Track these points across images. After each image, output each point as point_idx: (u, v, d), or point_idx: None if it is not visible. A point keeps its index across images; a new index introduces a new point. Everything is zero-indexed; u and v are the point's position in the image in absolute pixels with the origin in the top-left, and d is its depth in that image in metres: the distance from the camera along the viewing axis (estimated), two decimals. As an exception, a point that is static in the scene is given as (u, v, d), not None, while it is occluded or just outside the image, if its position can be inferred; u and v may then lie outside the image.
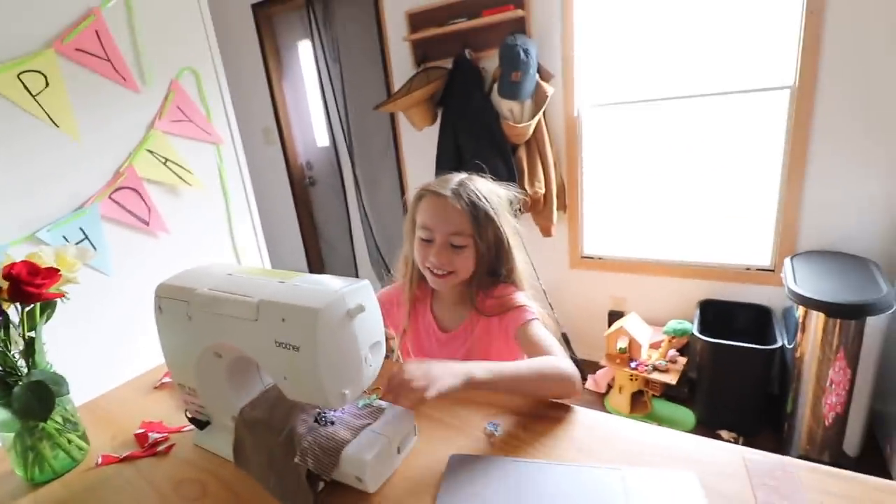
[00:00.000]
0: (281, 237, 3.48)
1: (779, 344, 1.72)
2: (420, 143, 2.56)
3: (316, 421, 0.66)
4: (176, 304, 0.69)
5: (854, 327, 1.46)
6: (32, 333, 0.74)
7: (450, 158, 2.30)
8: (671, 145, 2.10)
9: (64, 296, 0.75)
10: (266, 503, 0.64)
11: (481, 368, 0.70)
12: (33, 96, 1.12)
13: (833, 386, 1.56)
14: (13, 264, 0.69)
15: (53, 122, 1.16)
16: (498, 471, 0.63)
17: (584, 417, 0.74)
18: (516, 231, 0.95)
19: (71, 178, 1.20)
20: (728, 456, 0.64)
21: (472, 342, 0.95)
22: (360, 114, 2.90)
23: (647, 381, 2.08)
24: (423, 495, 0.62)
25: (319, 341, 0.56)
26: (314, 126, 3.19)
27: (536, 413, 0.76)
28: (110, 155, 1.27)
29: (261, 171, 3.26)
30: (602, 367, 2.20)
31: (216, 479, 0.70)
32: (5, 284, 0.68)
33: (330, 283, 0.61)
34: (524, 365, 0.76)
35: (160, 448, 0.78)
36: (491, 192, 0.92)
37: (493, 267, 0.94)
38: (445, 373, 0.66)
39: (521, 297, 0.92)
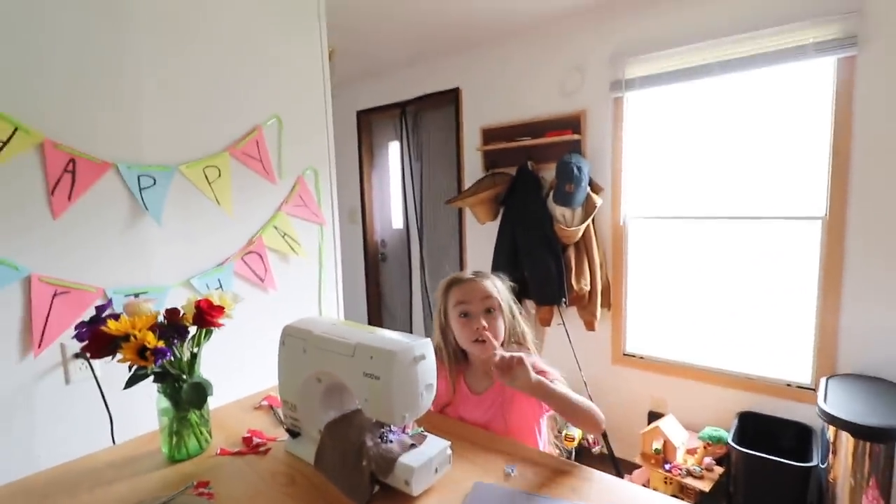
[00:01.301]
0: (349, 302, 3.88)
1: (813, 463, 1.73)
2: (481, 235, 2.91)
3: (379, 438, 0.91)
4: (295, 341, 1.00)
5: (885, 453, 1.49)
6: (195, 350, 1.06)
7: (506, 250, 2.60)
8: (712, 257, 2.28)
9: (221, 326, 1.08)
10: (335, 494, 0.88)
11: (549, 383, 1.01)
12: (209, 184, 1.58)
13: (871, 515, 1.55)
14: (200, 300, 1.04)
15: (218, 202, 1.60)
16: (511, 497, 0.84)
17: (593, 475, 0.92)
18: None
19: (219, 243, 1.62)
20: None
21: (501, 400, 1.18)
22: (433, 205, 3.34)
23: (682, 488, 2.08)
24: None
25: (394, 375, 0.82)
26: (392, 210, 3.67)
27: (549, 465, 0.96)
28: (248, 228, 1.69)
29: (342, 244, 3.75)
30: (638, 466, 2.23)
31: (301, 475, 0.95)
32: (192, 311, 1.03)
33: (403, 337, 0.89)
34: (576, 396, 1.05)
35: (261, 449, 1.04)
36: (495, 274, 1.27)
37: (512, 331, 1.22)
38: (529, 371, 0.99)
39: (542, 362, 1.17)
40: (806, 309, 2.02)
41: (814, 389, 1.98)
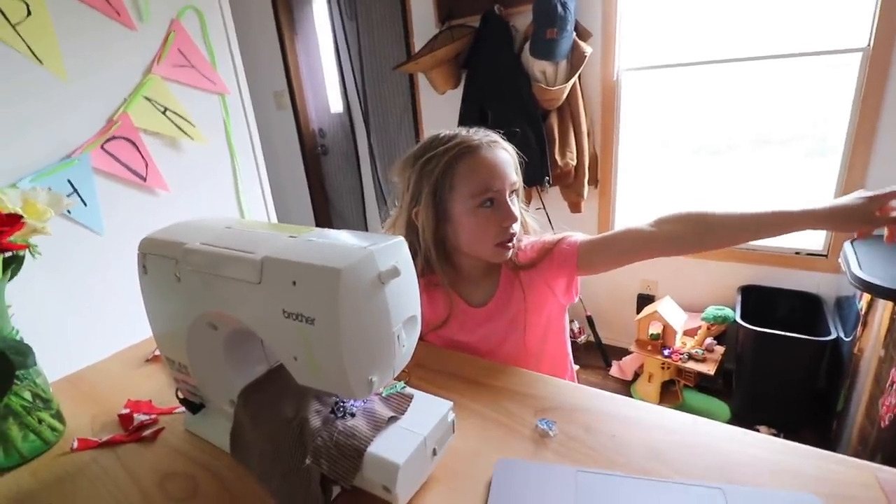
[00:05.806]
0: (291, 210, 3.36)
1: (833, 336, 1.56)
2: (441, 109, 2.39)
3: (332, 412, 0.53)
4: (163, 263, 0.56)
5: (929, 320, 1.30)
6: (-7, 293, 0.61)
7: (474, 124, 2.12)
8: (715, 113, 1.92)
9: (29, 248, 0.62)
10: (269, 511, 0.51)
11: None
12: (13, 26, 0.98)
13: (894, 386, 1.41)
14: (-37, 206, 0.56)
15: (37, 57, 1.02)
16: (561, 483, 0.50)
17: (662, 419, 0.60)
18: None
19: (58, 124, 1.07)
20: (855, 473, 0.50)
21: (515, 305, 0.85)
22: (377, 77, 2.73)
23: (680, 371, 1.94)
24: (467, 511, 0.49)
25: (341, 312, 0.42)
26: (328, 90, 3.02)
27: (599, 410, 0.63)
28: (102, 100, 1.13)
29: (271, 138, 3.11)
30: (629, 353, 2.07)
31: (209, 475, 0.57)
32: (-46, 230, 0.55)
33: (355, 238, 0.47)
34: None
35: (146, 432, 0.66)
36: None
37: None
38: None
39: (546, 234, 0.88)
40: (826, 164, 1.74)
41: (826, 255, 1.79)
